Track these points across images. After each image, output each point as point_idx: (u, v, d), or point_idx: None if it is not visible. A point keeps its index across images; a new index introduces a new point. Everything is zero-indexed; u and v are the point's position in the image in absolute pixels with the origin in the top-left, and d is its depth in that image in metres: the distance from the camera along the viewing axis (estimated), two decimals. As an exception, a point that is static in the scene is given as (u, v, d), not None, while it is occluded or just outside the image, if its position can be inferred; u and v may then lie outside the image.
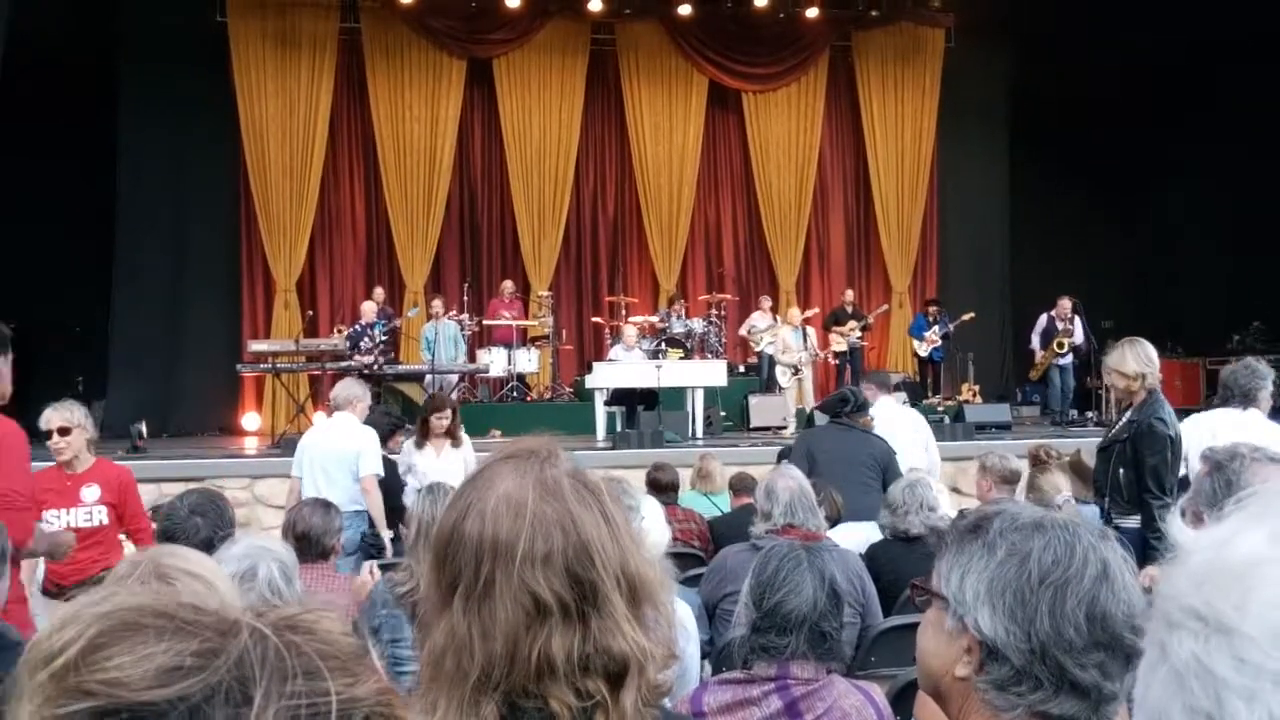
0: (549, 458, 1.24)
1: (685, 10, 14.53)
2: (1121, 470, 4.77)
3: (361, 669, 0.59)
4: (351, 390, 6.72)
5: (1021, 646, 1.20)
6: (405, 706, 0.61)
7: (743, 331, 13.61)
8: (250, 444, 12.02)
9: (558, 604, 1.14)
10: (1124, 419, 4.96)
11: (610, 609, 1.16)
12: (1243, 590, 0.63)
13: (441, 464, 6.72)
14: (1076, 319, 12.67)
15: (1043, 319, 12.95)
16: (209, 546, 2.78)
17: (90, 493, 4.74)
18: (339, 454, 6.36)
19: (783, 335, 12.96)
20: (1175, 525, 0.72)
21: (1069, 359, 12.81)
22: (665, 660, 1.21)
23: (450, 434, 6.93)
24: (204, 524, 3.27)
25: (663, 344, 12.81)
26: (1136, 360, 4.82)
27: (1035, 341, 12.99)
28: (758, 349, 13.32)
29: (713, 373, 11.72)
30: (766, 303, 13.83)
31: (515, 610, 1.14)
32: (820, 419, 7.65)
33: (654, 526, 3.51)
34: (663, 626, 1.22)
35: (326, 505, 3.98)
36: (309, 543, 3.65)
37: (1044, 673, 1.19)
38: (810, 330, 13.17)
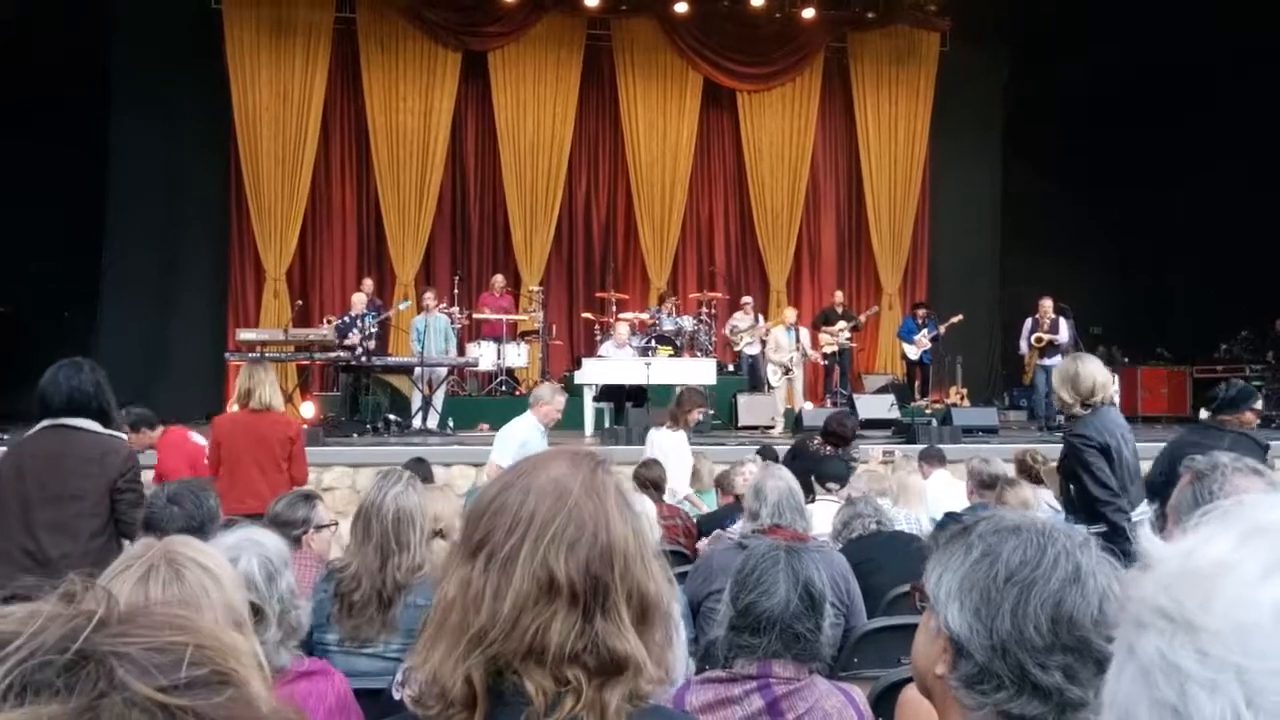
0: (603, 463, 1.32)
1: (682, 8, 14.54)
2: (1072, 486, 4.71)
3: (166, 666, 0.59)
4: (539, 393, 7.24)
5: (984, 643, 1.23)
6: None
7: (725, 331, 13.61)
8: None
9: (568, 588, 1.19)
10: None
11: (616, 615, 1.21)
12: (1208, 589, 0.66)
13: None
14: (1061, 320, 12.68)
15: (1028, 322, 12.96)
16: (194, 534, 2.77)
17: None
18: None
19: (775, 334, 12.98)
20: (1145, 534, 0.74)
21: (1056, 360, 12.78)
22: (659, 681, 1.25)
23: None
24: (180, 513, 3.30)
25: (652, 341, 12.81)
26: (1071, 383, 4.61)
27: (1024, 346, 13.00)
28: (737, 349, 13.32)
29: (702, 371, 11.72)
30: (748, 303, 13.78)
31: (530, 581, 1.19)
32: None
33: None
34: (666, 653, 1.27)
35: (305, 497, 3.98)
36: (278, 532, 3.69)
37: (1005, 671, 1.22)
38: (803, 330, 13.19)
